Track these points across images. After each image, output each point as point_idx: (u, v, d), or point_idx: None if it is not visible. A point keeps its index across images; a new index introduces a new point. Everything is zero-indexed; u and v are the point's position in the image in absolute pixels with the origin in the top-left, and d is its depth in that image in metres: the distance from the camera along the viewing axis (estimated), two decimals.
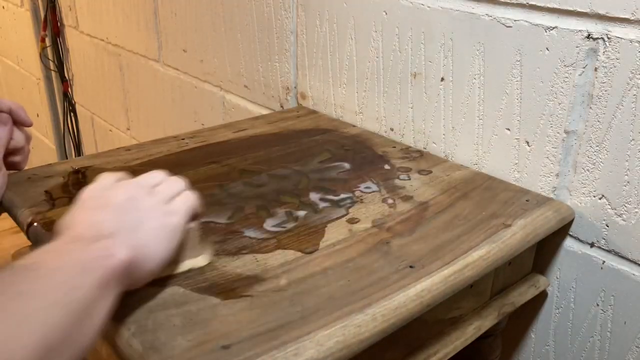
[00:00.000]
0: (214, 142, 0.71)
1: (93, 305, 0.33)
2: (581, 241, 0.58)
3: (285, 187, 0.58)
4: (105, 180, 0.43)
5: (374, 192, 0.58)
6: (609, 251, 0.56)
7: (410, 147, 0.71)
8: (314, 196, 0.56)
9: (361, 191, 0.57)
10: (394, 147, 0.71)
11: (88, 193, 0.42)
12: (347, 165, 0.64)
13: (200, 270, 0.44)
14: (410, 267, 0.45)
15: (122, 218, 0.39)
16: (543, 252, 0.62)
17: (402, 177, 0.62)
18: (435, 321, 0.51)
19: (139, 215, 0.39)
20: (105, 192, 0.41)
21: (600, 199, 0.56)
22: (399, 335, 0.46)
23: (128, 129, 1.47)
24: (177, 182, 0.45)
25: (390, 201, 0.56)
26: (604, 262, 0.57)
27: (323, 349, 0.36)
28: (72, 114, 1.77)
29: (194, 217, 0.44)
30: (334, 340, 0.37)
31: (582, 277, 0.59)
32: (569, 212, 0.57)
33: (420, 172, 0.63)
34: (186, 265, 0.44)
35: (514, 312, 0.58)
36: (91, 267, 0.34)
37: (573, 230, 0.59)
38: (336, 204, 0.55)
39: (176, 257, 0.42)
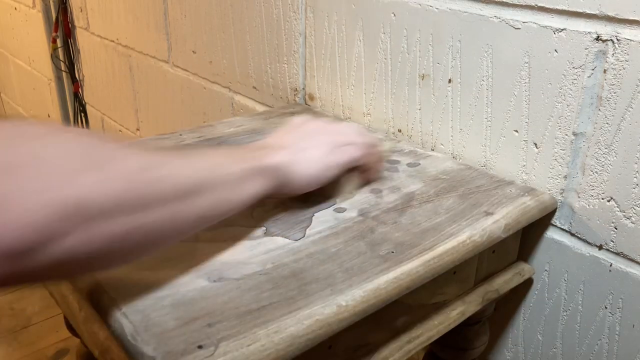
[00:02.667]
0: (211, 137, 0.72)
1: (242, 181, 0.42)
2: (589, 243, 0.58)
3: None
4: (315, 119, 0.56)
5: None
6: (617, 254, 0.56)
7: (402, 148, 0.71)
8: None
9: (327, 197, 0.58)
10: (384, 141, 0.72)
11: (297, 119, 0.55)
12: None
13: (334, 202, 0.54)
14: (392, 252, 0.46)
15: (297, 141, 0.50)
16: (530, 241, 0.63)
17: (391, 169, 0.63)
18: (418, 306, 0.53)
19: (311, 143, 0.50)
20: (306, 122, 0.54)
21: (608, 201, 0.55)
22: (383, 318, 0.49)
23: (138, 130, 1.48)
24: (358, 137, 0.54)
25: (377, 192, 0.57)
26: (611, 264, 0.57)
27: (303, 327, 0.38)
28: (82, 114, 1.79)
29: (355, 168, 0.54)
30: (314, 319, 0.38)
31: (590, 279, 0.59)
32: (551, 202, 0.58)
33: (408, 164, 0.64)
34: (334, 196, 0.54)
35: (502, 300, 0.59)
36: (250, 157, 0.45)
37: (579, 230, 0.59)
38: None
39: (324, 188, 0.52)
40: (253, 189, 0.43)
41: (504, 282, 0.61)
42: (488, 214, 0.53)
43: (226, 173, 0.41)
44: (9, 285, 0.31)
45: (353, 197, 0.55)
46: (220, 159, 0.43)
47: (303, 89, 0.89)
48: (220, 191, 0.41)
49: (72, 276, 0.38)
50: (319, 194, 0.53)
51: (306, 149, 0.49)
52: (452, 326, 0.55)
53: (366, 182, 0.58)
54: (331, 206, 0.54)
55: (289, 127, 0.53)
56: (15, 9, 2.01)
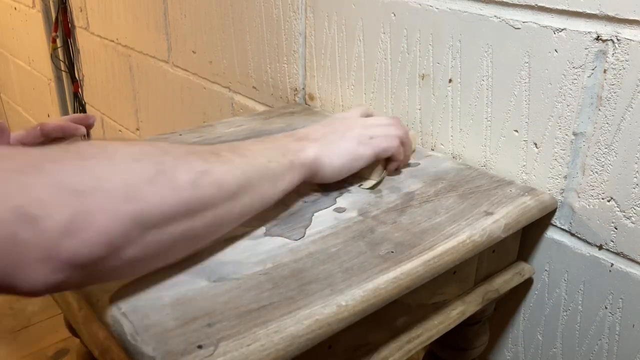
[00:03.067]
0: (212, 137, 0.72)
1: (282, 176, 0.47)
2: (589, 243, 0.58)
3: None
4: (349, 114, 0.62)
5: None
6: (617, 254, 0.56)
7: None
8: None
9: (349, 182, 0.58)
10: None
11: (333, 116, 0.62)
12: None
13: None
14: (392, 252, 0.46)
15: (329, 134, 0.54)
16: (530, 241, 0.63)
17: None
18: (418, 305, 0.53)
19: (342, 135, 0.54)
20: (339, 118, 0.59)
21: (608, 201, 0.55)
22: (383, 318, 0.49)
23: (137, 130, 1.48)
24: (391, 129, 0.57)
25: (377, 192, 0.57)
26: (612, 264, 0.57)
27: (303, 327, 0.38)
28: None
29: (385, 158, 0.58)
30: (314, 319, 0.38)
31: (590, 279, 0.59)
32: (551, 202, 0.58)
33: (409, 164, 0.64)
34: (360, 183, 0.58)
35: (502, 300, 0.59)
36: (288, 152, 0.49)
37: (579, 230, 0.59)
38: (324, 194, 0.56)
39: (359, 177, 0.57)
40: (290, 182, 0.48)
41: (504, 282, 0.61)
42: (488, 213, 0.53)
43: (269, 170, 0.45)
44: (79, 288, 0.37)
45: (373, 185, 0.57)
46: (262, 159, 0.46)
47: (303, 88, 0.89)
48: (263, 188, 0.45)
49: (126, 277, 0.40)
50: (344, 179, 0.56)
51: (336, 142, 0.53)
52: (452, 326, 0.55)
53: (392, 171, 0.60)
54: (331, 206, 0.54)
55: (327, 121, 0.58)
56: (15, 8, 2.01)
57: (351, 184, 0.58)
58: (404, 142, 0.59)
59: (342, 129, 0.55)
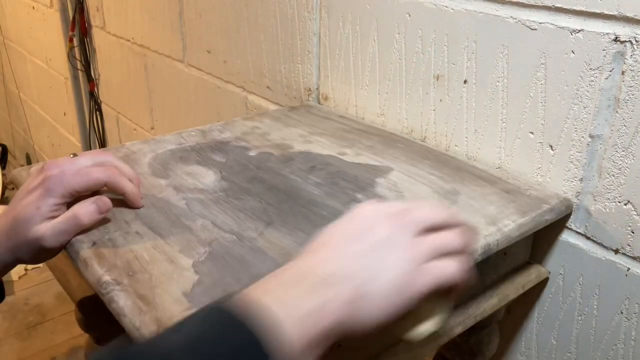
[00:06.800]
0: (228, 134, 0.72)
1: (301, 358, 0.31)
2: (605, 247, 0.58)
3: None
4: (383, 208, 0.38)
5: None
6: (634, 258, 0.55)
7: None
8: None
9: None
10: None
11: (360, 213, 0.38)
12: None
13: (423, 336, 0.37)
14: None
15: (364, 262, 0.35)
16: (545, 244, 0.62)
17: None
18: None
19: (384, 262, 0.35)
20: (373, 221, 0.37)
21: (625, 204, 0.55)
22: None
23: (152, 128, 1.49)
24: (457, 238, 0.37)
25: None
26: (628, 269, 0.56)
27: None
28: (97, 113, 1.80)
29: (450, 289, 0.36)
30: None
31: (606, 284, 0.58)
32: (566, 205, 0.58)
33: None
34: (403, 332, 0.37)
35: (516, 303, 0.58)
36: (303, 322, 0.31)
37: (595, 234, 0.58)
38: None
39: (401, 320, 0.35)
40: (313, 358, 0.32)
41: (517, 285, 0.60)
42: (500, 216, 0.53)
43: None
44: None
45: (431, 333, 0.38)
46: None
47: (317, 88, 0.89)
48: None
49: None
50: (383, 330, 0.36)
51: (376, 276, 0.34)
52: (462, 330, 0.55)
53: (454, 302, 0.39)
54: None
55: (349, 229, 0.37)
56: (33, 8, 2.03)
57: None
58: (469, 259, 0.38)
59: (383, 244, 0.35)
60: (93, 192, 0.50)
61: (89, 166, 0.50)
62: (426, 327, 0.36)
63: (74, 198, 0.48)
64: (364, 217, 0.38)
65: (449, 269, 0.36)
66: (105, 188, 0.50)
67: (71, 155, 0.52)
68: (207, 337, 0.29)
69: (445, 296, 0.37)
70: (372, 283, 0.34)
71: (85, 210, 0.47)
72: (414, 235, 0.36)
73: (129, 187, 0.51)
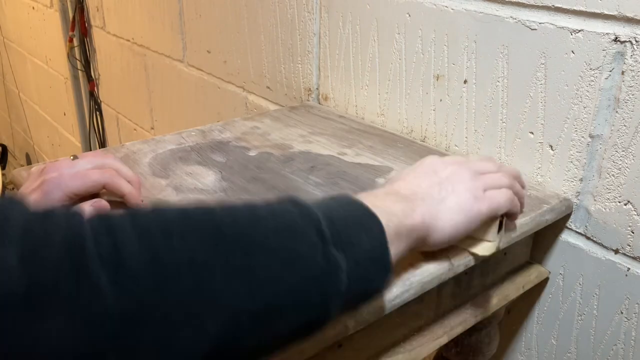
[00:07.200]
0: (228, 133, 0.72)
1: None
2: (605, 247, 0.58)
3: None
4: (447, 158, 0.48)
5: None
6: (634, 258, 0.55)
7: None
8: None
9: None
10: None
11: (428, 160, 0.47)
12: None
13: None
14: None
15: (435, 189, 0.43)
16: (545, 244, 0.62)
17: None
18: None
19: (450, 190, 0.44)
20: (439, 164, 0.46)
21: (625, 204, 0.55)
22: (392, 321, 0.48)
23: (152, 128, 1.49)
24: (504, 178, 0.47)
25: None
26: (628, 269, 0.56)
27: None
28: (97, 113, 1.80)
29: (504, 214, 0.46)
30: None
31: (606, 284, 0.58)
32: (566, 205, 0.58)
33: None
34: (472, 248, 0.47)
35: (516, 303, 0.58)
36: (392, 217, 0.39)
37: (595, 234, 0.58)
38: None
39: (467, 238, 0.46)
40: (395, 253, 0.38)
41: (517, 285, 0.60)
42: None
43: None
44: None
45: (492, 250, 0.47)
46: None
47: (317, 89, 0.89)
48: None
49: None
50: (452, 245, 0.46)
51: (445, 199, 0.43)
52: (462, 330, 0.55)
53: (509, 228, 0.51)
54: None
55: (420, 169, 0.46)
56: (33, 8, 2.03)
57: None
58: (518, 192, 0.48)
59: (449, 179, 0.44)
60: (93, 194, 0.50)
61: (87, 169, 0.50)
62: (486, 246, 0.46)
63: (73, 201, 0.48)
64: (432, 162, 0.47)
65: (502, 197, 0.45)
66: (104, 190, 0.51)
67: (71, 157, 0.52)
68: (334, 204, 0.37)
69: (501, 225, 0.47)
70: (443, 204, 0.43)
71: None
72: (471, 174, 0.45)
73: (127, 189, 0.51)
